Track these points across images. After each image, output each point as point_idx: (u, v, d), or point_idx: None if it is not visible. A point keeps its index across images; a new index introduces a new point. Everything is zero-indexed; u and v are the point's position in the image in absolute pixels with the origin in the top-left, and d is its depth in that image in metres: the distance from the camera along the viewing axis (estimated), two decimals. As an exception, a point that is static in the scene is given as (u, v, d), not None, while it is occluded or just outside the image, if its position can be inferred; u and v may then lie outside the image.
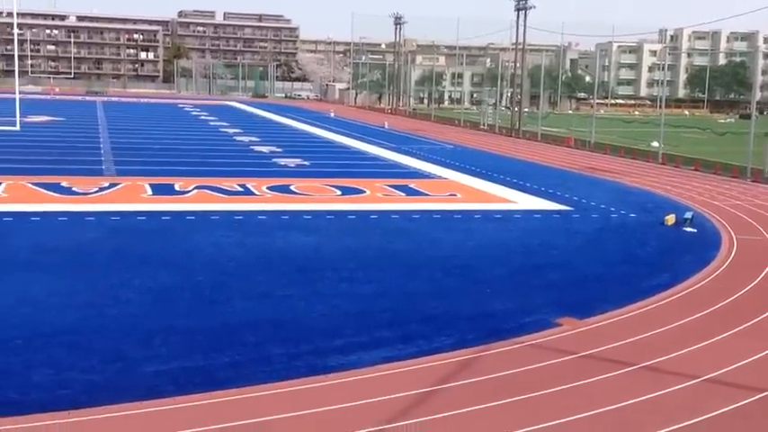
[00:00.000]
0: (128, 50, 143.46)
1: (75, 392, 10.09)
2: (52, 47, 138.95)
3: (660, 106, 54.88)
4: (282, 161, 37.96)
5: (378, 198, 27.56)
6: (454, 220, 23.99)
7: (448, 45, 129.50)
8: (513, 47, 73.89)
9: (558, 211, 26.13)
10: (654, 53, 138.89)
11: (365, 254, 18.76)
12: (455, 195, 29.16)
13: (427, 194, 28.91)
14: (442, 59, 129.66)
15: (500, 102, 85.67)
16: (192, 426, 9.24)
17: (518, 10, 66.54)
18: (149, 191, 26.77)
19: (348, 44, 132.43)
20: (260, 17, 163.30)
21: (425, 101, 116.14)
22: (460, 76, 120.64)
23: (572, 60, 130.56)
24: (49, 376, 10.58)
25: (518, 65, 71.61)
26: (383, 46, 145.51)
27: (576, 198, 28.81)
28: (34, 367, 10.85)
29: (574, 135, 56.40)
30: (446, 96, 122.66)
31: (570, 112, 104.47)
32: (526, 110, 72.91)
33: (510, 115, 70.43)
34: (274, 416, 9.56)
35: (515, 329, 13.26)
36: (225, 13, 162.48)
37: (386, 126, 67.17)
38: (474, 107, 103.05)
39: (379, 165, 38.79)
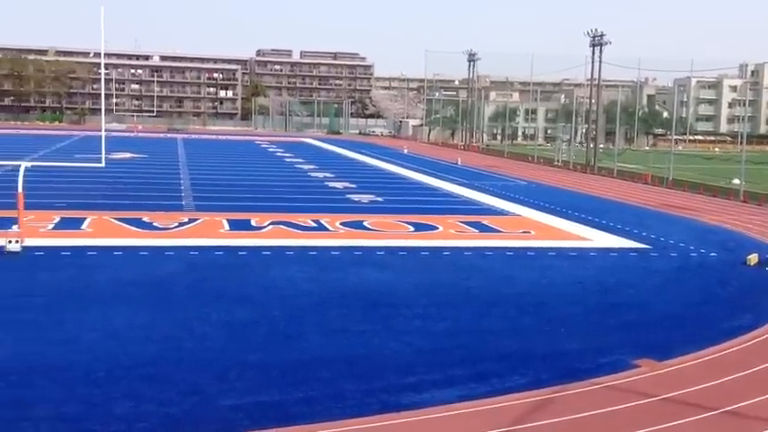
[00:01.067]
0: (208, 89, 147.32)
1: (154, 425, 10.32)
2: (136, 86, 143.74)
3: (741, 142, 53.48)
4: (356, 197, 38.29)
5: (450, 234, 27.52)
6: (528, 258, 23.77)
7: (522, 81, 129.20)
8: (589, 83, 73.27)
9: (635, 249, 25.63)
10: (734, 88, 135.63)
11: (438, 290, 18.73)
12: (529, 232, 28.91)
13: (500, 231, 28.74)
14: (515, 95, 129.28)
15: (574, 138, 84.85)
16: (267, 460, 9.34)
17: (593, 46, 66.05)
18: (227, 226, 27.32)
19: (422, 81, 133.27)
20: (335, 55, 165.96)
21: (498, 137, 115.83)
22: (534, 112, 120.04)
23: (649, 96, 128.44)
24: (129, 408, 10.84)
25: (593, 101, 70.91)
26: (456, 82, 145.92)
27: (653, 236, 28.23)
28: (115, 399, 11.14)
29: (651, 172, 55.39)
30: (519, 132, 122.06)
31: (647, 148, 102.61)
32: (601, 146, 71.99)
33: (584, 151, 69.67)
34: (347, 453, 9.59)
35: (591, 370, 13.03)
36: (301, 52, 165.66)
37: (459, 162, 67.21)
38: (548, 143, 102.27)
39: (451, 201, 38.78)
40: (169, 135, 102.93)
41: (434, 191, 43.82)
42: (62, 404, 10.92)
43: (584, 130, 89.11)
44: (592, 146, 67.29)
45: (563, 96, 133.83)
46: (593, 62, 67.30)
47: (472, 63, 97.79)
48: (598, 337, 15.26)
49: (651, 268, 22.64)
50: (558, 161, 72.33)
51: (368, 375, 12.46)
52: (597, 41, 65.67)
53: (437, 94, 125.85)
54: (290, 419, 10.53)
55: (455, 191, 43.54)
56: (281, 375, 12.36)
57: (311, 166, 57.85)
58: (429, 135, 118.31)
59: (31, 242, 22.05)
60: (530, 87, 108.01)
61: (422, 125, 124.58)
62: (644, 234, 28.59)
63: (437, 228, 28.71)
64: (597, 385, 12.27)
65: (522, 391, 11.93)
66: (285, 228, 27.20)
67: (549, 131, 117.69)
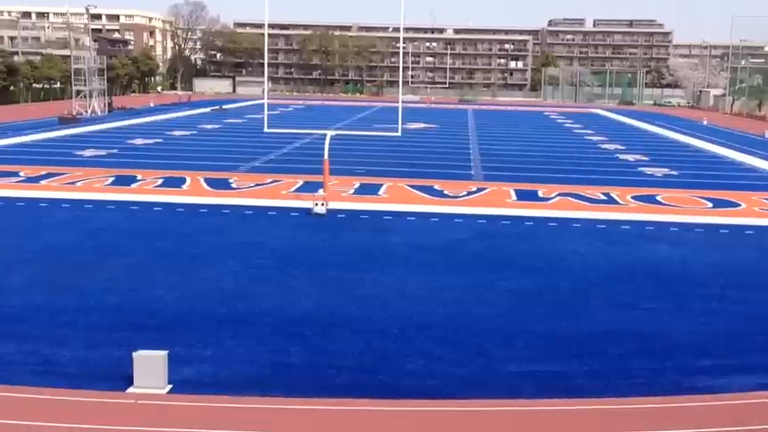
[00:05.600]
0: (498, 60, 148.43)
1: (443, 384, 10.79)
2: (430, 58, 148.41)
3: None
4: (649, 170, 36.70)
5: (755, 212, 25.47)
6: None
7: None
8: None
9: None
10: None
11: (738, 271, 17.50)
12: None
13: (814, 211, 26.09)
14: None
15: None
16: (549, 429, 9.39)
17: None
18: (514, 196, 27.50)
19: (726, 47, 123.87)
20: (631, 23, 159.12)
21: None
22: None
23: None
24: (420, 366, 11.42)
25: None
26: (766, 49, 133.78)
27: None
28: (407, 356, 11.79)
29: None
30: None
31: None
32: None
33: None
34: (635, 431, 9.36)
35: None
36: (595, 20, 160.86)
37: (767, 135, 61.72)
38: None
39: (757, 176, 35.78)
40: (459, 106, 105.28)
41: (737, 165, 40.70)
42: (360, 356, 11.77)
43: None
44: None
45: None
46: None
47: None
48: None
49: None
50: None
51: (658, 354, 12.02)
52: None
53: (743, 61, 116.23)
54: (575, 391, 10.49)
55: (761, 166, 40.11)
56: (567, 346, 12.31)
57: (601, 138, 56.27)
58: (732, 106, 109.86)
59: (334, 205, 23.79)
60: None
61: (724, 95, 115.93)
62: None
63: (739, 204, 26.73)
64: None
65: (834, 386, 10.87)
66: (573, 199, 26.82)
67: None
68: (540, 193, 28.03)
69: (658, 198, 27.66)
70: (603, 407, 9.97)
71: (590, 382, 10.90)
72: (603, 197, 27.58)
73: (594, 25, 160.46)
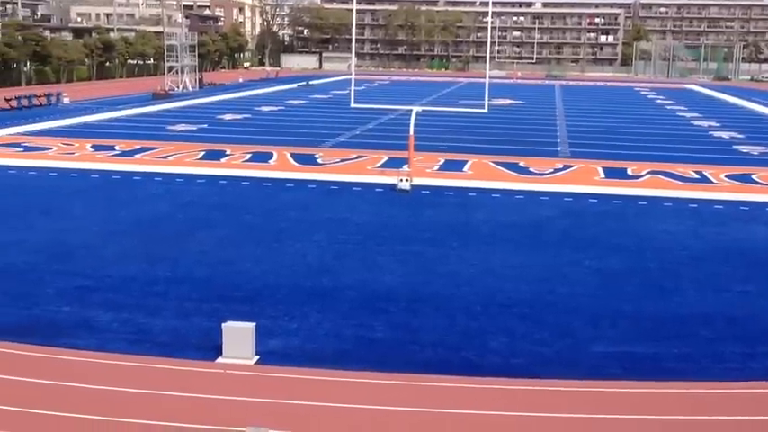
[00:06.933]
0: (588, 34, 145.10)
1: (527, 362, 10.73)
2: (517, 33, 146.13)
3: None
4: (744, 148, 35.40)
5: None
6: None
7: None
8: None
9: None
10: None
11: (839, 255, 16.78)
12: None
13: None
14: None
15: None
16: (636, 412, 9.24)
17: None
18: (602, 174, 26.94)
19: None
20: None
21: None
22: None
23: None
24: (503, 344, 11.38)
25: None
26: None
27: None
28: (491, 334, 11.75)
29: None
30: None
31: None
32: None
33: None
34: (717, 416, 9.12)
35: None
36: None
37: None
38: None
39: None
40: (546, 82, 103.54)
41: (840, 144, 38.85)
42: (443, 332, 11.79)
43: None
44: None
45: None
46: None
47: None
48: None
49: None
50: None
51: (751, 338, 11.66)
52: None
53: None
54: (663, 373, 10.29)
55: None
56: (656, 328, 12.06)
57: (694, 114, 54.51)
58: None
59: (418, 181, 23.79)
60: None
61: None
62: None
63: (841, 185, 25.57)
64: None
65: None
66: (664, 178, 26.12)
67: None
68: (630, 171, 27.40)
69: (754, 177, 26.68)
70: (693, 391, 9.75)
71: (679, 365, 10.66)
72: (696, 176, 26.77)
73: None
